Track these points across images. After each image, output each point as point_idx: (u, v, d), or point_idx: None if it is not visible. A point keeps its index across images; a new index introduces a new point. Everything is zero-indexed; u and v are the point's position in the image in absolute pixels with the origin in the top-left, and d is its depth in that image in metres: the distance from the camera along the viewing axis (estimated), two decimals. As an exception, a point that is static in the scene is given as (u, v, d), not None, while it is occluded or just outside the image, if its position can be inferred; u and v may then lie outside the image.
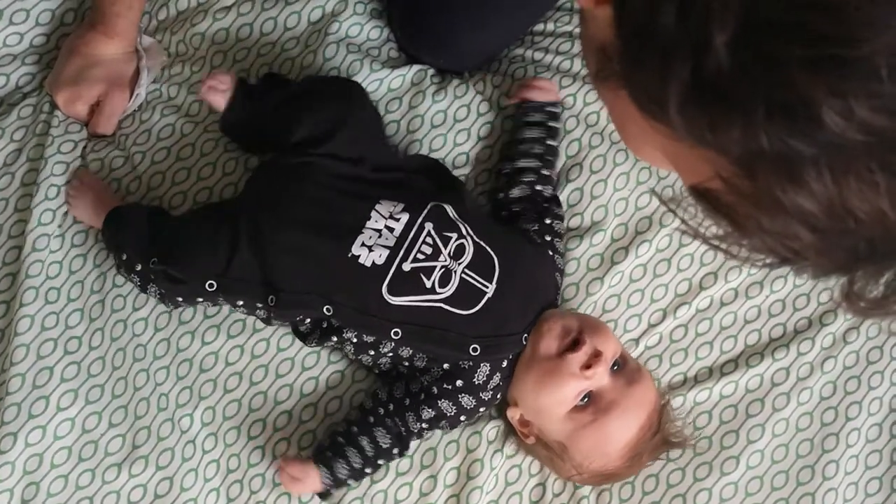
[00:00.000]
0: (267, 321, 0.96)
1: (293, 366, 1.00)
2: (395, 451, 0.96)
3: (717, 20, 0.42)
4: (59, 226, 0.98)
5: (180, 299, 0.95)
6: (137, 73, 1.03)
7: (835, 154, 0.42)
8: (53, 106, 1.02)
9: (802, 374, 1.06)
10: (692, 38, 0.43)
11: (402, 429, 0.95)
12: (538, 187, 1.02)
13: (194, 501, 0.97)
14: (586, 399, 0.94)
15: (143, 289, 0.96)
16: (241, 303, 0.94)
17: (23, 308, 0.95)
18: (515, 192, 1.02)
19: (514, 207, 1.02)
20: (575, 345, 0.93)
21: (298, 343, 0.99)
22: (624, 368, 0.96)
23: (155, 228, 0.94)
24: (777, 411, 1.05)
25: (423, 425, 0.96)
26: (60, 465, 0.94)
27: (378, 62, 1.06)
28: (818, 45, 0.40)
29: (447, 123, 1.06)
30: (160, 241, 0.93)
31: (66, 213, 0.99)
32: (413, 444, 0.97)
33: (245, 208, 0.93)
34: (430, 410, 0.95)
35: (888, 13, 0.40)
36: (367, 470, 0.96)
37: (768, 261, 0.50)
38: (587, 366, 0.92)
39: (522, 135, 1.04)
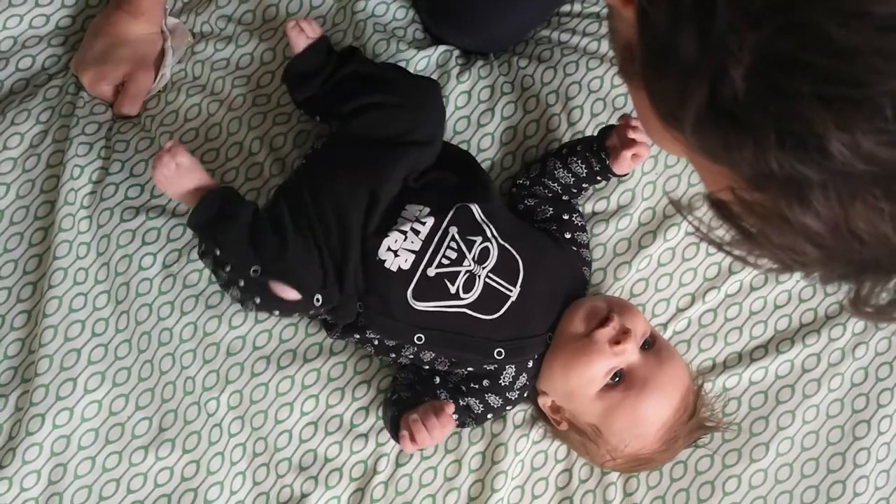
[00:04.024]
0: (312, 317, 0.97)
1: (321, 350, 0.99)
2: None
3: (733, 52, 0.44)
4: (86, 207, 0.98)
5: (277, 312, 0.93)
6: (162, 53, 1.02)
7: (841, 180, 0.44)
8: (79, 87, 1.02)
9: (833, 360, 1.05)
10: (709, 66, 0.45)
11: None
12: (559, 191, 1.01)
13: (220, 485, 0.97)
14: (617, 378, 0.93)
15: (234, 295, 0.92)
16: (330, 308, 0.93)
17: (51, 289, 0.95)
18: (537, 190, 1.01)
19: (528, 201, 1.01)
20: (603, 323, 0.92)
21: (326, 328, 0.98)
22: (654, 347, 0.95)
23: (256, 236, 0.90)
24: (807, 398, 1.04)
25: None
26: (88, 447, 0.95)
27: (404, 43, 1.06)
28: (827, 84, 0.43)
29: (471, 104, 1.05)
30: (266, 257, 0.89)
31: (91, 194, 0.99)
32: None
33: (306, 187, 0.92)
34: (459, 404, 0.95)
35: (893, 62, 0.42)
36: None
37: (775, 266, 0.52)
38: (616, 342, 0.91)
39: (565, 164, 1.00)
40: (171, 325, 0.97)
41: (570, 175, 1.00)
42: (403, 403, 0.94)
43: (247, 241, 0.90)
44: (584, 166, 0.99)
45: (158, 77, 1.02)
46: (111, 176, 1.00)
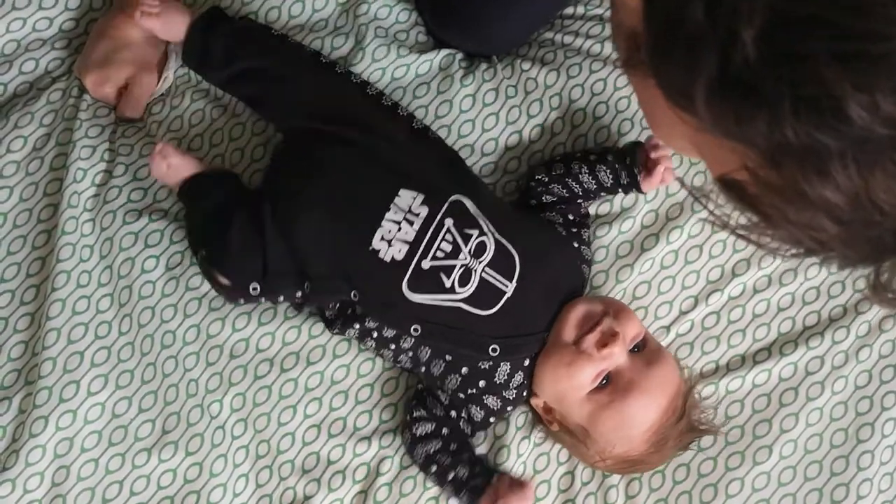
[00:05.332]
0: (299, 308, 0.97)
1: (324, 353, 0.99)
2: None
3: (744, 15, 0.43)
4: (89, 210, 0.98)
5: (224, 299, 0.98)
6: (166, 57, 1.02)
7: (860, 147, 0.43)
8: (82, 90, 1.02)
9: (837, 363, 1.05)
10: (720, 33, 0.44)
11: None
12: (577, 191, 1.01)
13: (223, 487, 0.97)
14: (605, 380, 0.93)
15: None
16: (280, 298, 0.95)
17: (54, 292, 0.95)
18: (554, 188, 1.01)
19: (545, 198, 1.01)
20: (592, 328, 0.93)
21: (330, 330, 0.99)
22: (644, 350, 0.95)
23: (209, 221, 0.95)
24: (811, 400, 1.04)
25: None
26: (91, 449, 0.95)
27: (405, 46, 1.06)
28: (844, 41, 0.41)
29: (475, 108, 1.05)
30: (207, 242, 0.94)
31: (95, 197, 0.99)
32: None
33: (267, 196, 0.94)
34: (461, 417, 0.96)
35: None
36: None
37: (795, 251, 0.50)
38: (603, 344, 0.91)
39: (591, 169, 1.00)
40: (174, 327, 0.98)
41: (594, 182, 1.00)
42: (475, 490, 0.94)
43: (201, 224, 0.95)
44: (611, 176, 0.99)
45: (161, 80, 1.02)
46: (114, 179, 1.00)
